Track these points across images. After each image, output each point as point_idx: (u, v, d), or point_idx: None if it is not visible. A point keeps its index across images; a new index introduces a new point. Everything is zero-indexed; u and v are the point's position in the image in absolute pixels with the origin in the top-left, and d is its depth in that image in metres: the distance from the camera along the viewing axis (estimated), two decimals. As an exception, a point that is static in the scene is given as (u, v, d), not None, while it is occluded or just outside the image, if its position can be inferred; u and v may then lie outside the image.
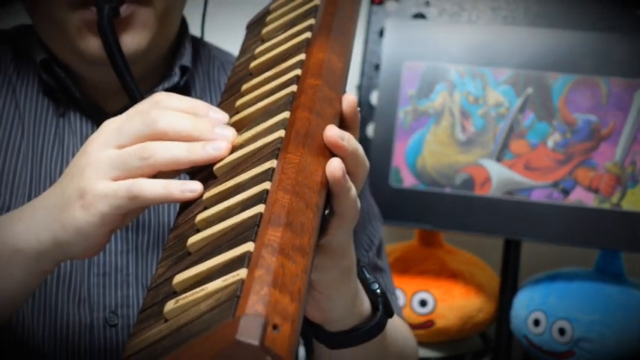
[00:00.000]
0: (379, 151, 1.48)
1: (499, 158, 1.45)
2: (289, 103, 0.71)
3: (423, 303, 1.52)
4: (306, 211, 0.62)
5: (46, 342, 0.89)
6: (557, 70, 1.45)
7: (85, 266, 0.90)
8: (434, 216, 1.46)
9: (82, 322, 0.90)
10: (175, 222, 0.71)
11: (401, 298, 1.52)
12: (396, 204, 1.47)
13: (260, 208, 0.62)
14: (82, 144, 0.92)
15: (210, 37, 1.06)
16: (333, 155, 0.68)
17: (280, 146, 0.67)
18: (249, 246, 0.59)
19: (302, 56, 0.77)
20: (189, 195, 0.69)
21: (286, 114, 0.70)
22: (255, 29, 0.90)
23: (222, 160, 0.71)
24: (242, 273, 0.57)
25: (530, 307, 1.45)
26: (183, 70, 0.96)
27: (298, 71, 0.75)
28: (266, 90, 0.76)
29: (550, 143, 1.43)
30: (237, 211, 0.65)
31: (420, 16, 1.52)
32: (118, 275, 0.91)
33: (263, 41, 0.86)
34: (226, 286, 0.57)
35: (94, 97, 0.93)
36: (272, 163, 0.66)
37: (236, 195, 0.66)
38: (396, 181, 1.48)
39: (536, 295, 1.45)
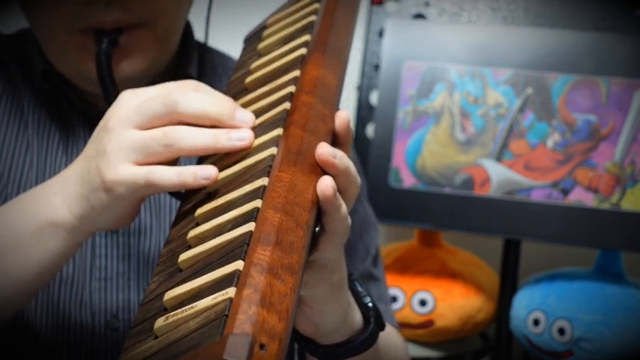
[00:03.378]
0: (379, 151, 1.48)
1: (499, 158, 1.45)
2: (282, 120, 0.72)
3: (423, 303, 1.52)
4: (296, 229, 0.62)
5: (49, 342, 0.90)
6: (557, 70, 1.45)
7: (87, 270, 0.91)
8: (434, 216, 1.46)
9: (84, 325, 0.90)
10: (169, 236, 0.71)
11: (401, 298, 1.52)
12: (395, 204, 1.47)
13: (250, 226, 0.63)
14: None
15: (213, 40, 1.06)
16: (325, 173, 0.69)
17: (272, 164, 0.67)
18: (238, 264, 0.60)
19: (297, 73, 0.77)
20: (203, 182, 0.69)
21: (279, 131, 0.70)
22: (252, 43, 0.90)
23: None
24: (231, 292, 0.57)
25: (529, 306, 1.45)
26: (189, 78, 0.96)
27: (292, 88, 0.75)
28: (260, 106, 0.76)
29: (550, 143, 1.44)
30: (228, 228, 0.65)
31: (420, 16, 1.53)
32: (120, 280, 0.91)
33: (259, 56, 0.86)
34: (215, 305, 0.58)
35: (97, 103, 0.94)
36: (263, 181, 0.66)
37: (228, 212, 0.66)
38: (396, 181, 1.48)
39: (535, 294, 1.45)
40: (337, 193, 0.68)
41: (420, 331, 1.53)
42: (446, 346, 1.58)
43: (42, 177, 0.91)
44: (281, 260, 0.59)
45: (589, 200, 1.42)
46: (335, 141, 0.73)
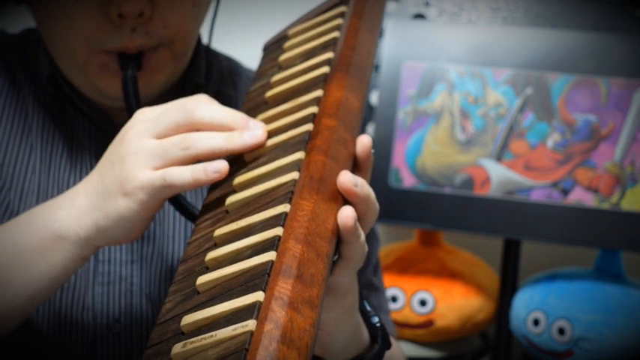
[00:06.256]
0: (379, 152, 1.48)
1: (499, 158, 1.45)
2: (304, 142, 0.71)
3: (423, 303, 1.52)
4: (316, 261, 0.62)
5: (51, 346, 0.89)
6: (557, 70, 1.45)
7: (89, 275, 0.90)
8: (433, 216, 1.46)
9: (86, 330, 0.90)
10: (185, 253, 0.71)
11: (401, 298, 1.52)
12: (395, 204, 1.47)
13: (271, 255, 0.62)
14: (89, 153, 0.93)
15: (215, 41, 1.05)
16: (346, 200, 0.69)
17: (294, 189, 0.67)
18: (259, 295, 0.59)
19: (319, 92, 0.76)
20: (215, 176, 0.71)
21: (301, 154, 0.70)
22: (272, 53, 0.89)
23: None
24: (251, 324, 0.57)
25: (529, 306, 1.45)
26: (198, 86, 0.96)
27: (315, 109, 0.75)
28: (281, 125, 0.76)
29: (549, 143, 1.44)
30: (248, 254, 0.64)
31: (419, 16, 1.53)
32: (122, 284, 0.91)
33: (280, 69, 0.85)
34: (235, 336, 0.57)
35: (102, 107, 0.93)
36: (285, 207, 0.66)
37: (247, 237, 0.66)
38: (396, 181, 1.48)
39: (535, 294, 1.45)
40: (357, 223, 0.68)
41: (420, 331, 1.53)
42: (446, 346, 1.58)
43: (45, 183, 0.91)
44: (302, 294, 0.59)
45: (589, 200, 1.42)
46: (355, 165, 0.73)
